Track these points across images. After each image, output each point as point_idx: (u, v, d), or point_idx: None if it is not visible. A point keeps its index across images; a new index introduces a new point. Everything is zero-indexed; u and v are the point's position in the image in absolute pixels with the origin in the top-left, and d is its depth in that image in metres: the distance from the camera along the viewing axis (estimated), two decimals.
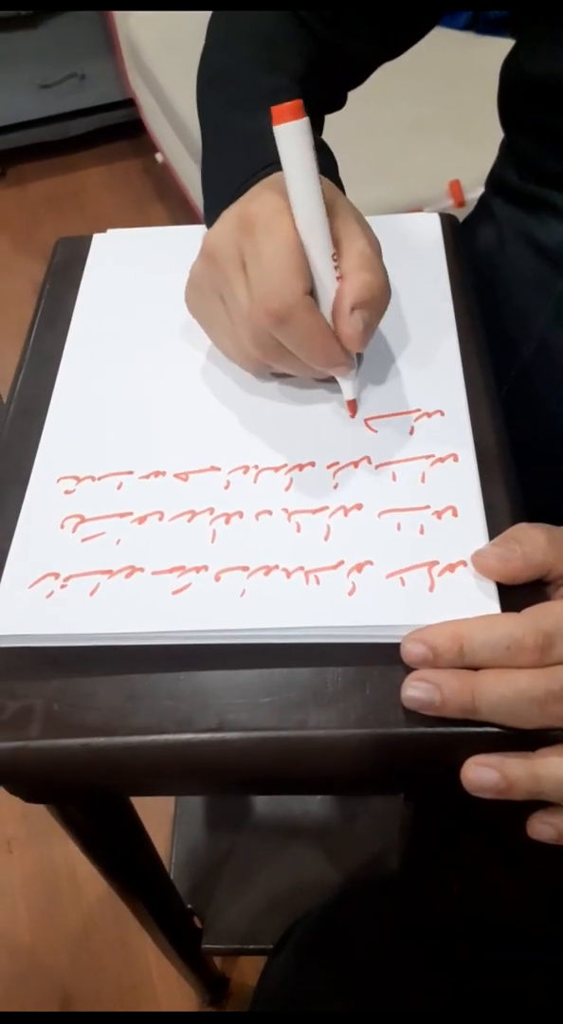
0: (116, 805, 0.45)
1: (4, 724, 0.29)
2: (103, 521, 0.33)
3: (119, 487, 0.34)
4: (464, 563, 0.30)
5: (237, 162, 0.37)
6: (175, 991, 0.85)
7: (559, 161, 0.42)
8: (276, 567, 0.31)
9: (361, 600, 0.30)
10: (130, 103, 1.70)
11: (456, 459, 0.33)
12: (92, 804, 0.41)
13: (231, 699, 0.29)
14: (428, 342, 0.38)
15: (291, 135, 0.30)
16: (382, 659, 0.29)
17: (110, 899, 0.88)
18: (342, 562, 0.31)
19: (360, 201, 0.35)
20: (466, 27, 1.25)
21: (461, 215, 0.49)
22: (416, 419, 0.35)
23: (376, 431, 0.35)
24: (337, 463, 0.34)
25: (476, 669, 0.27)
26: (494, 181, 0.50)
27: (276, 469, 0.34)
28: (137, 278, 0.43)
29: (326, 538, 0.32)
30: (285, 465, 0.34)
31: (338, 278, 0.32)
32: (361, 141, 1.07)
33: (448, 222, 0.44)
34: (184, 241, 0.41)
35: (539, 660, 0.27)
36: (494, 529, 0.31)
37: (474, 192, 1.02)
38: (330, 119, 0.47)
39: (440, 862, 0.48)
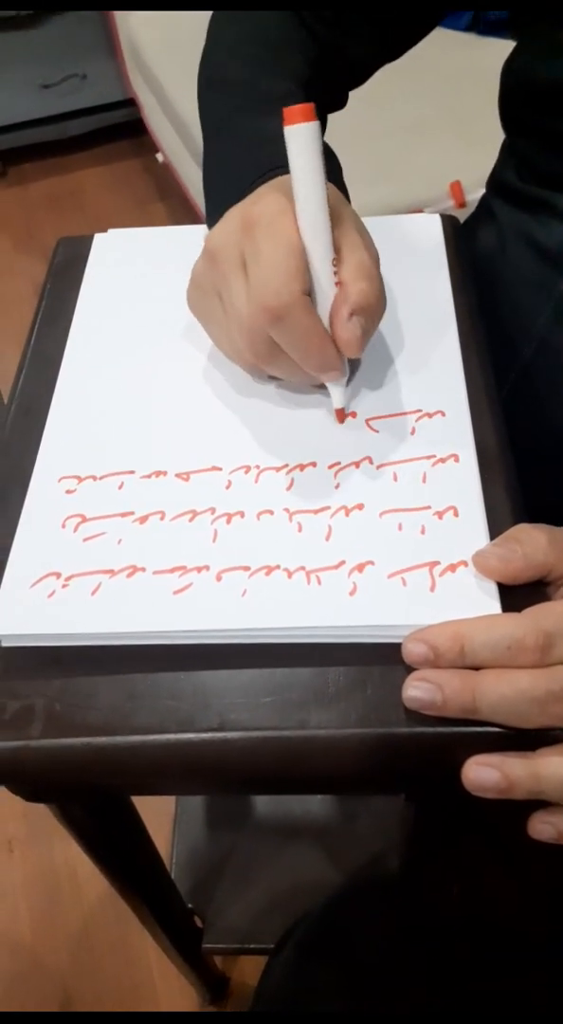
0: (117, 804, 0.45)
1: (6, 724, 0.29)
2: (104, 521, 0.33)
3: (120, 487, 0.34)
4: (465, 563, 0.30)
5: (241, 165, 0.37)
6: (175, 991, 0.85)
7: (560, 162, 0.42)
8: (277, 567, 0.31)
9: (362, 600, 0.30)
10: (131, 103, 1.70)
11: (457, 459, 0.34)
12: (93, 803, 0.41)
13: (232, 699, 0.29)
14: (429, 343, 0.38)
15: (301, 137, 0.30)
16: (383, 659, 0.29)
17: (111, 899, 0.88)
18: (343, 562, 0.31)
19: (361, 202, 0.35)
20: (467, 28, 1.25)
21: (462, 216, 0.49)
22: (417, 419, 0.35)
23: (377, 431, 0.35)
24: (338, 463, 0.34)
25: (477, 669, 0.27)
26: (495, 182, 0.50)
27: (277, 469, 0.34)
28: (138, 278, 0.43)
29: (327, 538, 0.32)
30: (286, 465, 0.34)
31: (336, 284, 0.32)
32: (362, 142, 1.07)
33: (449, 223, 0.44)
34: (185, 241, 0.41)
35: (540, 660, 0.27)
36: (495, 529, 0.31)
37: (475, 193, 1.02)
38: (331, 119, 0.47)
39: (440, 862, 0.48)
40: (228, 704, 0.29)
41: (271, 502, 0.33)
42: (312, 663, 0.29)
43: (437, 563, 0.30)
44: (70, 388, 0.38)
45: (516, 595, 0.29)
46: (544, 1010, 0.44)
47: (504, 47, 0.44)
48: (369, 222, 0.35)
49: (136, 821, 0.48)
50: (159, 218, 1.70)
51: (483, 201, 0.52)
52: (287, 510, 0.33)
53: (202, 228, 0.43)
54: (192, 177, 1.37)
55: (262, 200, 0.32)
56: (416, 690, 0.27)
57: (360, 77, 0.47)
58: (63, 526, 0.33)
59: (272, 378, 0.37)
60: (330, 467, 0.34)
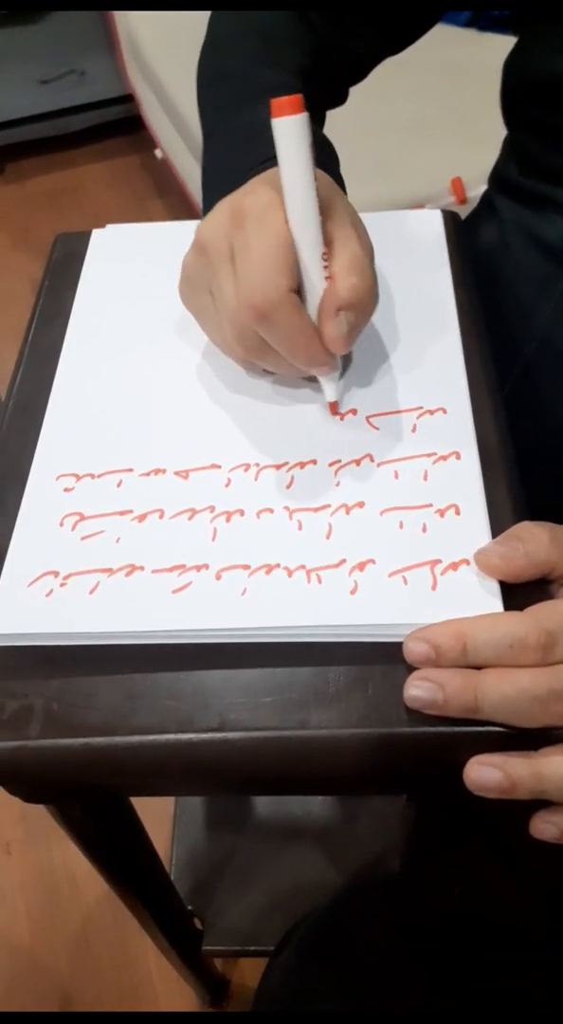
0: (116, 805, 0.44)
1: (4, 724, 0.29)
2: (103, 519, 0.33)
3: (119, 485, 0.34)
4: (467, 561, 0.30)
5: (236, 157, 0.37)
6: (175, 992, 0.85)
7: (562, 158, 0.42)
8: (277, 566, 0.31)
9: (363, 599, 0.29)
10: (129, 99, 1.69)
11: (458, 457, 0.33)
12: (92, 804, 0.40)
13: (232, 698, 0.29)
14: (430, 339, 0.38)
15: (289, 129, 0.30)
16: (384, 658, 0.29)
17: (110, 900, 0.87)
18: (344, 561, 0.31)
19: (361, 198, 0.35)
20: (468, 24, 1.25)
21: (463, 212, 0.48)
22: (418, 417, 0.35)
23: (378, 429, 0.35)
24: (339, 461, 0.34)
25: (479, 668, 0.27)
26: (497, 178, 0.50)
27: (277, 467, 0.34)
28: (137, 274, 0.43)
29: (328, 536, 0.31)
30: (286, 463, 0.34)
31: (327, 278, 0.31)
32: (363, 138, 1.07)
33: (450, 219, 0.44)
34: (184, 237, 0.41)
35: (542, 659, 0.26)
36: (497, 528, 0.31)
37: (476, 189, 1.02)
38: (332, 116, 0.47)
39: (441, 863, 0.48)
40: (228, 704, 0.29)
41: (271, 500, 0.33)
42: (312, 662, 0.29)
43: (438, 561, 0.30)
44: (68, 385, 0.38)
45: (518, 594, 0.29)
46: (544, 1009, 0.44)
47: (504, 43, 0.43)
48: (369, 218, 0.35)
49: (135, 822, 0.47)
50: (158, 214, 1.70)
51: (485, 197, 0.52)
52: (287, 508, 0.32)
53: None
54: (191, 173, 1.37)
55: (253, 192, 0.32)
56: (417, 689, 0.27)
57: (360, 72, 0.47)
58: (61, 524, 0.33)
59: (266, 371, 0.37)
60: (330, 465, 0.34)
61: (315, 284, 0.31)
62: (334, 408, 0.35)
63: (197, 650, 0.30)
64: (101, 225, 0.46)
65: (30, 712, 0.29)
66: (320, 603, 0.29)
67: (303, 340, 0.31)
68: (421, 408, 0.35)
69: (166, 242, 0.44)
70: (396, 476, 0.33)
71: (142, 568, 0.31)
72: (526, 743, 0.27)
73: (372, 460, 0.34)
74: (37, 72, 1.69)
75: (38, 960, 0.89)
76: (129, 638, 0.30)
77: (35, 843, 0.96)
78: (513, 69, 0.43)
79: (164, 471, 0.34)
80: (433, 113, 1.14)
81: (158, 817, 0.79)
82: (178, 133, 1.34)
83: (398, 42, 0.46)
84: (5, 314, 1.50)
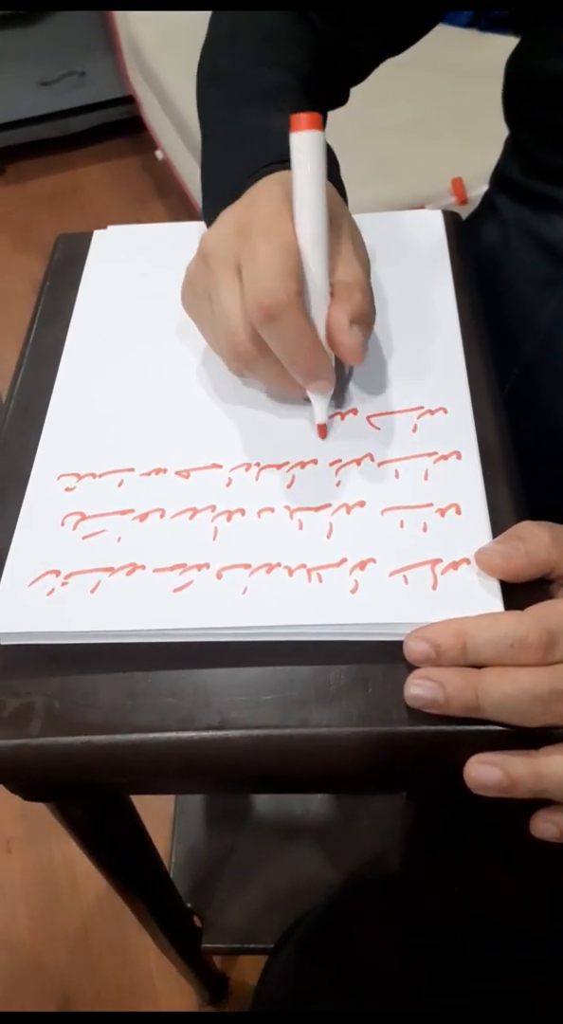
0: (116, 804, 0.44)
1: (5, 722, 0.29)
2: (104, 518, 0.33)
3: (120, 484, 0.34)
4: (467, 561, 0.30)
5: (237, 159, 0.37)
6: (175, 991, 0.85)
7: None
8: (278, 565, 0.31)
9: (364, 598, 0.29)
10: (130, 100, 1.70)
11: (459, 456, 0.33)
12: (92, 803, 0.40)
13: (233, 697, 0.29)
14: (431, 339, 0.38)
15: (306, 145, 0.30)
16: (385, 657, 0.29)
17: (109, 898, 0.88)
18: (345, 560, 0.31)
19: (362, 198, 0.35)
20: (469, 24, 1.25)
21: (464, 213, 0.48)
22: (419, 416, 0.35)
23: (378, 428, 0.35)
24: (339, 461, 0.34)
25: (479, 667, 0.27)
26: (498, 178, 0.50)
27: (278, 466, 0.34)
28: (138, 275, 0.43)
29: (328, 536, 0.31)
30: (287, 463, 0.34)
31: (330, 293, 0.32)
32: (363, 139, 1.07)
33: (451, 219, 0.44)
34: (185, 237, 0.41)
35: (543, 658, 0.27)
36: (497, 527, 0.31)
37: (477, 189, 1.02)
38: (332, 116, 0.47)
39: (441, 861, 0.48)
40: (229, 702, 0.29)
41: (272, 499, 0.33)
42: (313, 661, 0.29)
43: (439, 560, 0.30)
44: (69, 385, 0.38)
45: (519, 593, 0.29)
46: (545, 1009, 0.44)
47: (505, 43, 0.44)
48: (370, 218, 0.35)
49: (135, 820, 0.47)
50: (158, 215, 1.70)
51: (486, 197, 0.52)
52: (288, 508, 0.32)
53: (202, 224, 0.43)
54: (191, 174, 1.37)
55: (258, 202, 0.32)
56: (418, 688, 0.27)
57: (361, 73, 0.47)
58: (62, 524, 0.33)
59: None
60: (331, 464, 0.34)
61: (319, 296, 0.32)
62: (323, 431, 0.35)
63: (198, 649, 0.30)
64: (102, 226, 0.46)
65: (31, 710, 0.29)
66: (321, 602, 0.29)
67: (307, 345, 0.31)
68: (422, 408, 0.35)
69: (167, 243, 0.44)
70: (397, 476, 0.33)
71: (143, 567, 0.31)
72: (526, 742, 0.27)
73: (373, 460, 0.34)
74: (37, 73, 1.69)
75: (38, 958, 0.89)
76: (130, 637, 0.30)
77: (35, 841, 0.96)
78: (515, 69, 0.44)
79: (165, 471, 0.34)
80: (434, 113, 1.14)
81: (158, 815, 0.79)
82: (179, 134, 1.34)
83: (399, 42, 0.46)
84: (6, 314, 1.50)
